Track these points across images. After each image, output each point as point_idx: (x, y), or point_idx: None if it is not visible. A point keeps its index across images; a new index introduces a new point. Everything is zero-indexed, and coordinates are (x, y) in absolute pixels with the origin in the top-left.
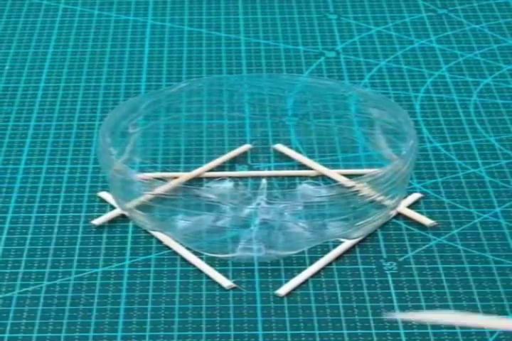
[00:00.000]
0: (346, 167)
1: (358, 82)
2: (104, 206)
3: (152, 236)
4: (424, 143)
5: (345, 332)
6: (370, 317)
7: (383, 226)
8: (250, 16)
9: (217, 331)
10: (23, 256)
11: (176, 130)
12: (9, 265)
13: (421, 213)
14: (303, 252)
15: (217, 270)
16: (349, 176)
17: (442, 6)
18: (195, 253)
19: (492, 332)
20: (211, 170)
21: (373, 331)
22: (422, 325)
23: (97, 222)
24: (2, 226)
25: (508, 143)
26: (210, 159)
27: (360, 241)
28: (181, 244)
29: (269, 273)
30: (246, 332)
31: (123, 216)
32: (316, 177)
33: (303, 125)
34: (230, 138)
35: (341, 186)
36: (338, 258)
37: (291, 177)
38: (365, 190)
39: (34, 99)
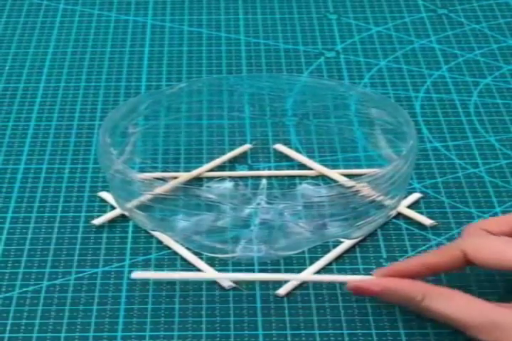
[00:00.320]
0: (346, 167)
1: (358, 82)
2: (104, 206)
3: (152, 236)
4: (424, 143)
5: (345, 332)
6: (370, 317)
7: (383, 226)
8: (250, 16)
9: (217, 331)
10: (23, 256)
11: (176, 130)
12: (9, 265)
13: (421, 213)
14: (303, 252)
15: (217, 270)
16: (349, 176)
17: (442, 6)
18: (195, 253)
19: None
20: (211, 170)
21: (373, 331)
22: (422, 325)
23: (97, 222)
24: (2, 226)
25: (508, 143)
26: (210, 159)
27: (360, 241)
28: (181, 244)
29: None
30: (246, 332)
31: (123, 216)
32: (316, 177)
33: (303, 125)
34: (230, 138)
35: (341, 186)
36: (338, 258)
37: (291, 177)
38: (365, 190)
39: (34, 99)
